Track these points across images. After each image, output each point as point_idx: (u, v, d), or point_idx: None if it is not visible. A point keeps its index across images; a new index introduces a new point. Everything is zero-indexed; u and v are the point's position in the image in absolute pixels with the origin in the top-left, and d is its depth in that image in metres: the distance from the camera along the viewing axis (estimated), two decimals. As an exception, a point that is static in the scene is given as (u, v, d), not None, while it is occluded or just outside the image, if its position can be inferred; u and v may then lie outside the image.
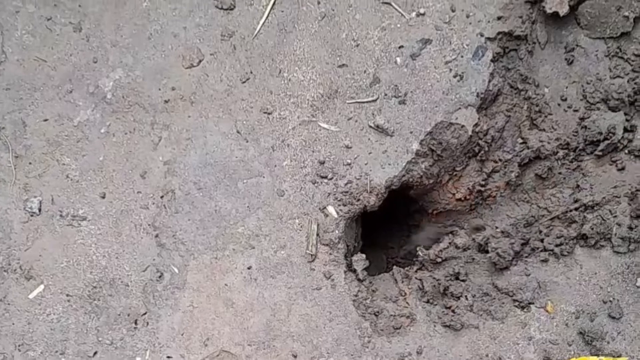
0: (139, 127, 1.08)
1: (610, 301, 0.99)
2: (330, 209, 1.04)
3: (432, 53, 1.02)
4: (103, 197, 1.06)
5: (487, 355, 1.02)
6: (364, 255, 1.05)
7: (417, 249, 1.07)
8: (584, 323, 1.01)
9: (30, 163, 1.08)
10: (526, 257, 1.02)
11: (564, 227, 1.00)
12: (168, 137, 1.07)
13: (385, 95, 1.04)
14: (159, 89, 1.08)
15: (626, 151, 1.01)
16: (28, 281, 1.06)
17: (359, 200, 1.04)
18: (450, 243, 1.06)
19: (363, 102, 1.03)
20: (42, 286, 1.05)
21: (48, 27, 1.07)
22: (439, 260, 1.06)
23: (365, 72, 1.04)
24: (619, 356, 0.99)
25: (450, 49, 1.01)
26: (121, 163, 1.07)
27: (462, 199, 1.08)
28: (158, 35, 1.06)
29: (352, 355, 1.03)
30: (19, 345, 1.05)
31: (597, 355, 0.98)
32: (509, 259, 1.00)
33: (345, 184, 1.05)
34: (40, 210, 1.06)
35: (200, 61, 1.05)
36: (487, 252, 1.02)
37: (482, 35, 1.01)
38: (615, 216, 0.97)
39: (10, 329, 1.05)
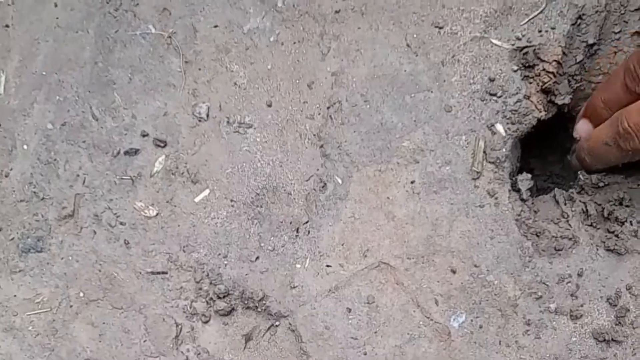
0: (308, 37, 1.19)
1: None
2: (499, 127, 1.14)
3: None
4: (270, 106, 1.18)
5: (650, 280, 1.12)
6: (529, 175, 1.15)
7: (579, 172, 1.15)
8: None
9: (199, 69, 1.20)
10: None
11: None
12: (337, 47, 1.18)
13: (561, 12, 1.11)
14: (330, -1, 1.18)
15: None
16: (194, 185, 1.19)
17: (527, 119, 1.13)
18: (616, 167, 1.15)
19: (533, 18, 1.11)
20: (207, 190, 1.18)
21: None
22: (601, 185, 1.14)
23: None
24: None
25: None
26: (289, 72, 1.19)
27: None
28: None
29: (511, 273, 1.14)
30: (184, 247, 1.19)
31: None
32: None
33: (515, 103, 1.14)
34: (208, 116, 1.19)
35: (371, -28, 1.15)
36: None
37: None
38: None
39: (176, 230, 1.20)
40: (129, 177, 1.23)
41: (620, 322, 1.16)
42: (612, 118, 1.08)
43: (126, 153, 1.23)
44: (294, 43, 1.22)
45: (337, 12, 1.21)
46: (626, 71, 1.04)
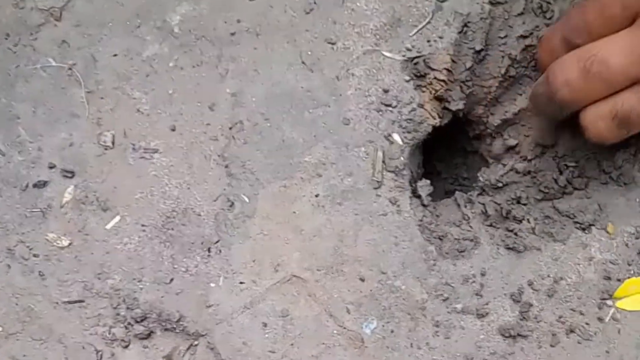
0: (205, 60, 1.24)
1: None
2: (396, 136, 1.19)
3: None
4: (173, 130, 1.23)
5: (548, 276, 1.19)
6: (428, 181, 1.21)
7: (478, 174, 1.21)
8: (645, 243, 1.16)
9: (102, 98, 1.24)
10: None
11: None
12: (235, 69, 1.23)
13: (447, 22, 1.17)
14: (225, 22, 1.23)
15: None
16: (105, 212, 1.23)
17: (422, 127, 1.18)
18: (511, 168, 1.20)
19: (421, 28, 1.17)
20: (118, 217, 1.22)
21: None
22: (500, 185, 1.20)
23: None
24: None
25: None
26: (190, 95, 1.24)
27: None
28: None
29: (417, 277, 1.20)
30: (98, 274, 1.23)
31: (657, 272, 1.13)
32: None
33: (410, 112, 1.20)
34: (113, 143, 1.23)
35: (263, -7, 1.19)
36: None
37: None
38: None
39: (89, 259, 1.24)
40: (39, 209, 1.26)
41: (524, 317, 1.21)
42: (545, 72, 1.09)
43: (35, 186, 1.26)
44: (193, 67, 1.26)
45: (232, 34, 1.26)
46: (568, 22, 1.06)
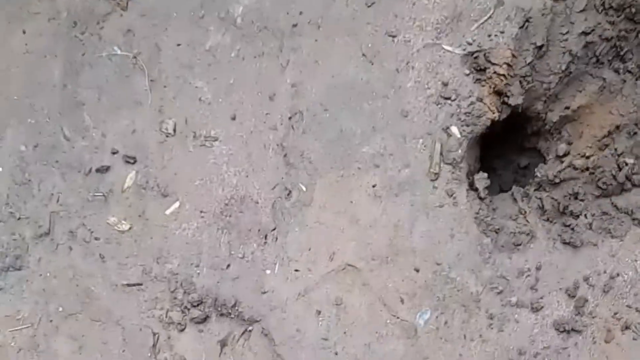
0: (267, 51, 1.26)
1: None
2: (454, 129, 1.21)
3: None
4: (234, 119, 1.25)
5: (604, 272, 1.19)
6: (486, 174, 1.22)
7: (535, 170, 1.22)
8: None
9: (165, 86, 1.27)
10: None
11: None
12: (295, 60, 1.25)
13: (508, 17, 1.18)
14: (287, 13, 1.26)
15: None
16: (164, 198, 1.27)
17: (481, 121, 1.20)
18: (569, 165, 1.21)
19: (483, 23, 1.18)
20: (177, 203, 1.25)
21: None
22: (557, 180, 1.21)
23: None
24: None
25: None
26: (250, 86, 1.26)
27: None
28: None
29: (472, 270, 1.21)
30: (157, 258, 1.26)
31: None
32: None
33: (468, 105, 1.21)
34: (175, 131, 1.26)
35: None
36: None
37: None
38: None
39: (149, 243, 1.27)
40: (101, 194, 1.30)
41: (579, 312, 1.22)
42: None
43: (97, 171, 1.30)
44: (254, 57, 1.29)
45: (294, 25, 1.28)
46: None
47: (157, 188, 1.30)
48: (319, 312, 1.26)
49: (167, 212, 1.29)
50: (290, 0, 1.28)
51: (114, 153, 1.31)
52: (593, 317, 1.21)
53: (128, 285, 1.29)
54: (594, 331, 1.22)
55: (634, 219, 1.22)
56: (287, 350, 1.26)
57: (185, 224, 1.30)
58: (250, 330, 1.28)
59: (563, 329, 1.21)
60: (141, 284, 1.29)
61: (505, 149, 1.50)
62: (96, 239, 1.30)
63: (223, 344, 1.29)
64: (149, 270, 1.30)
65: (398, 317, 1.24)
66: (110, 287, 1.30)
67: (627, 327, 1.20)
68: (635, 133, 1.21)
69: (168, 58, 1.31)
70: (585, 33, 1.24)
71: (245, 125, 1.30)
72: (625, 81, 1.23)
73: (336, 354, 1.25)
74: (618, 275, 1.22)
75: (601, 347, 1.21)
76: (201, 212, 1.29)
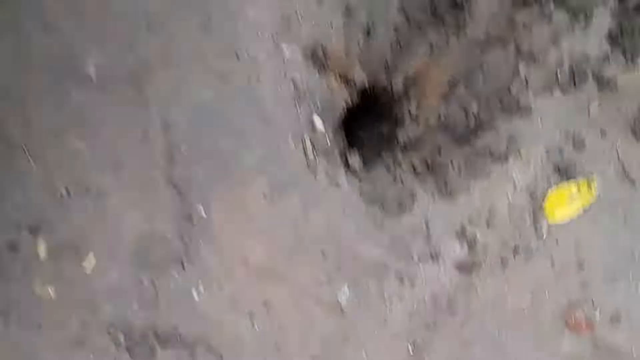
0: (129, 96, 1.33)
1: (572, 134, 1.28)
2: (317, 123, 1.32)
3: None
4: (118, 167, 1.34)
5: (483, 210, 1.33)
6: (357, 153, 1.33)
7: (398, 135, 1.34)
8: (557, 158, 1.31)
9: (42, 150, 1.34)
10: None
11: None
12: (156, 95, 1.32)
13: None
14: (136, 60, 1.32)
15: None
16: (79, 256, 1.35)
17: (337, 107, 1.31)
18: (424, 123, 1.34)
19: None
20: (92, 257, 1.34)
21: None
22: (418, 140, 1.34)
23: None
24: (593, 177, 1.29)
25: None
26: (124, 133, 1.33)
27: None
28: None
29: (371, 238, 1.35)
30: (91, 311, 1.36)
31: (573, 178, 1.28)
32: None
33: (322, 97, 1.33)
34: (68, 191, 1.34)
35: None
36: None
37: None
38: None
39: (78, 300, 1.36)
40: (19, 268, 1.39)
41: (473, 251, 1.37)
42: None
43: (9, 247, 1.38)
44: (118, 106, 1.37)
45: (145, 65, 1.35)
46: None
47: (69, 249, 1.39)
48: (251, 317, 1.39)
49: (85, 266, 1.39)
50: (135, 47, 1.35)
51: (17, 226, 1.39)
52: (486, 251, 1.36)
53: (70, 343, 1.39)
54: (491, 262, 1.37)
55: (493, 157, 1.35)
56: (233, 358, 1.39)
57: (105, 273, 1.40)
58: (196, 351, 1.41)
59: (464, 268, 1.36)
60: (83, 342, 1.39)
61: (370, 124, 1.61)
62: (27, 310, 1.40)
63: (174, 371, 1.42)
64: (87, 326, 1.40)
65: (322, 301, 1.37)
66: (53, 350, 1.40)
67: (517, 252, 1.36)
68: (469, 82, 1.33)
69: (39, 125, 1.38)
70: (402, 8, 1.34)
71: (131, 170, 1.38)
72: (448, 38, 1.35)
73: (278, 350, 1.39)
74: (495, 209, 1.36)
75: (500, 275, 1.37)
76: (117, 259, 1.39)
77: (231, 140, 1.36)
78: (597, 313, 1.34)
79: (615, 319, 1.33)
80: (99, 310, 1.39)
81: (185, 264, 1.39)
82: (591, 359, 1.33)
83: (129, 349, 1.38)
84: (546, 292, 1.35)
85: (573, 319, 1.33)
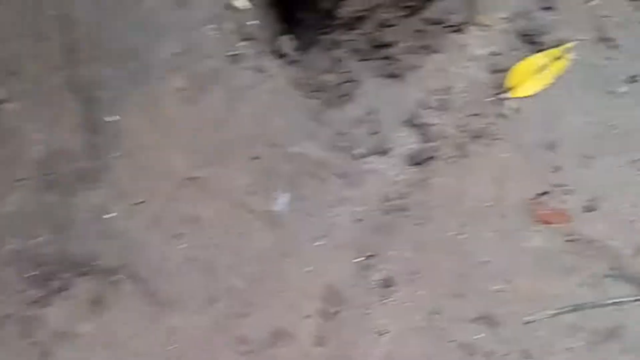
0: None
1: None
2: (238, 2, 1.12)
3: None
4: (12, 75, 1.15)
5: (437, 89, 1.16)
6: (289, 36, 1.15)
7: (337, 11, 1.15)
8: (522, 24, 1.12)
9: None
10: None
11: None
12: None
13: None
14: None
15: None
16: None
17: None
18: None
19: None
20: None
21: None
22: (360, 15, 1.15)
23: None
24: (565, 43, 1.10)
25: None
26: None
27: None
28: None
29: (309, 137, 1.17)
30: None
31: (541, 45, 1.09)
32: None
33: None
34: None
35: None
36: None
37: None
38: None
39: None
40: None
41: (427, 139, 1.19)
42: None
43: None
44: None
45: None
46: None
47: None
48: (178, 236, 1.21)
49: None
50: None
51: None
52: (442, 139, 1.18)
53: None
54: (448, 151, 1.20)
55: (448, 27, 1.17)
56: (160, 283, 1.20)
57: (4, 197, 1.22)
58: (118, 279, 1.23)
59: (417, 161, 1.18)
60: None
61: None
62: None
63: (97, 302, 1.24)
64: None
65: (257, 211, 1.19)
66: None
67: (477, 136, 1.18)
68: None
69: None
70: None
71: (27, 75, 1.21)
72: None
73: (210, 270, 1.20)
74: (451, 88, 1.19)
75: (460, 164, 1.19)
76: (19, 180, 1.21)
77: (140, 32, 1.18)
78: (571, 201, 1.14)
79: (590, 207, 1.14)
80: (0, 241, 1.20)
81: (97, 181, 1.20)
82: (564, 254, 1.13)
83: (38, 282, 1.19)
84: (512, 181, 1.18)
85: (543, 210, 1.13)
